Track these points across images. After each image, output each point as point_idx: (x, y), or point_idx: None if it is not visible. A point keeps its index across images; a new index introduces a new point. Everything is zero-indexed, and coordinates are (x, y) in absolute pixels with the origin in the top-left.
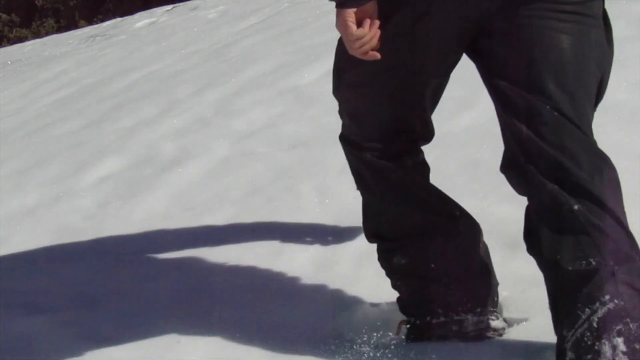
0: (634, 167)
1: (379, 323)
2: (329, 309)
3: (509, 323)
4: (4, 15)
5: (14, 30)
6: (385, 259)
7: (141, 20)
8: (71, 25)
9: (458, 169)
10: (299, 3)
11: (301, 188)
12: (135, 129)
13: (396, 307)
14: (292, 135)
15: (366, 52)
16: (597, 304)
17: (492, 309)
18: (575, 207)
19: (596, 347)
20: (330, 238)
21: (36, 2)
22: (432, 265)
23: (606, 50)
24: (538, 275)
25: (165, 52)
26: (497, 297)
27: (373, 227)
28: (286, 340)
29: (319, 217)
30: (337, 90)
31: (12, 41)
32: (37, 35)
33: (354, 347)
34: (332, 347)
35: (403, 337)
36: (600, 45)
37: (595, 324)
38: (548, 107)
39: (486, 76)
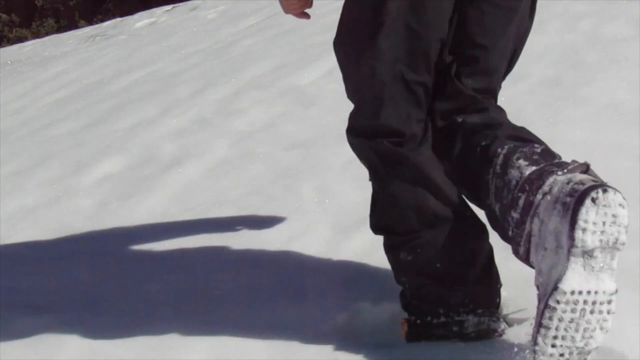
0: (634, 167)
1: (379, 323)
2: (329, 309)
3: (509, 323)
4: (4, 15)
5: (14, 30)
6: (391, 253)
7: (141, 20)
8: (71, 25)
9: None
10: None
11: (301, 188)
12: (135, 129)
13: (396, 306)
14: (292, 135)
15: (299, 12)
16: (494, 160)
17: (493, 310)
18: (469, 120)
19: (506, 179)
20: (330, 238)
21: (36, 2)
22: (438, 265)
23: (527, 23)
24: None
25: (165, 52)
26: (500, 298)
27: (381, 220)
28: (286, 341)
29: (319, 217)
30: (355, 70)
31: (12, 41)
32: (37, 35)
33: (355, 347)
34: (332, 347)
35: (403, 336)
36: (522, 19)
37: (499, 171)
38: (455, 79)
39: None
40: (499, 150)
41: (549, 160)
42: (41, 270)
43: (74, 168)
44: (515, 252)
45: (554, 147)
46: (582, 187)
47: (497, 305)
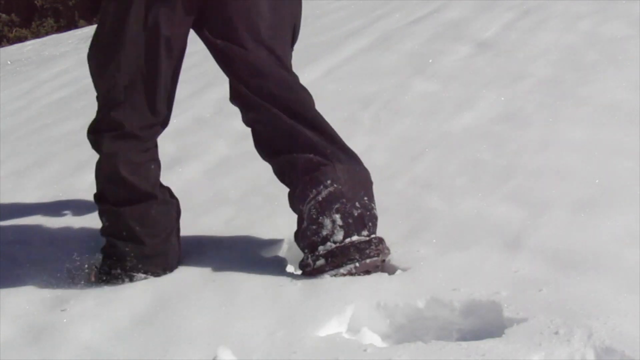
0: (634, 167)
1: (380, 322)
2: (329, 308)
3: (509, 323)
4: (3, 15)
5: (14, 30)
6: (100, 215)
7: None
8: (71, 25)
9: (458, 169)
10: None
11: None
12: None
13: (396, 306)
14: None
15: None
16: (321, 187)
17: (161, 273)
18: (290, 121)
19: (320, 220)
20: None
21: (36, 2)
22: (124, 233)
23: (296, 4)
24: (538, 275)
25: None
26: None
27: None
28: (287, 340)
29: None
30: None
31: (11, 41)
32: (37, 35)
33: (355, 347)
34: (333, 347)
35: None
36: (292, 3)
37: (319, 202)
38: (243, 53)
39: (202, 34)
40: (328, 182)
41: (359, 230)
42: (41, 271)
43: (74, 168)
44: (300, 264)
45: (554, 147)
46: None
47: (170, 269)
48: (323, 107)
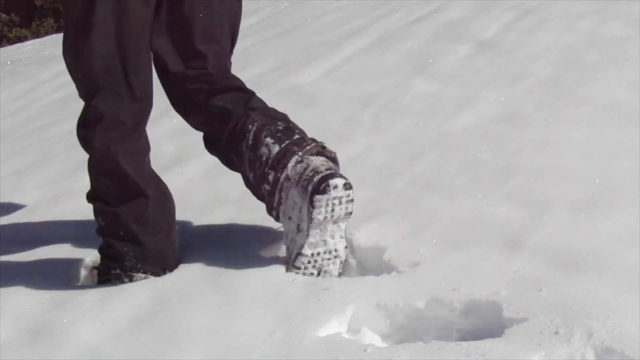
0: (634, 167)
1: (380, 322)
2: (329, 308)
3: (509, 323)
4: (3, 15)
5: (14, 30)
6: (96, 216)
7: None
8: None
9: (458, 169)
10: (299, 3)
11: None
12: None
13: (396, 306)
14: None
15: None
16: (247, 134)
17: (161, 273)
18: (216, 102)
19: (258, 154)
20: None
21: (36, 2)
22: (121, 233)
23: (236, 7)
24: (538, 275)
25: None
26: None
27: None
28: (287, 340)
29: None
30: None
31: (11, 41)
32: (37, 35)
33: (355, 347)
34: (333, 347)
35: (93, 281)
36: (231, 6)
37: (251, 146)
38: (194, 66)
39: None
40: (249, 127)
41: (290, 136)
42: (41, 271)
43: (74, 168)
44: (269, 213)
45: (554, 147)
46: (316, 177)
47: (170, 268)
48: (323, 107)
